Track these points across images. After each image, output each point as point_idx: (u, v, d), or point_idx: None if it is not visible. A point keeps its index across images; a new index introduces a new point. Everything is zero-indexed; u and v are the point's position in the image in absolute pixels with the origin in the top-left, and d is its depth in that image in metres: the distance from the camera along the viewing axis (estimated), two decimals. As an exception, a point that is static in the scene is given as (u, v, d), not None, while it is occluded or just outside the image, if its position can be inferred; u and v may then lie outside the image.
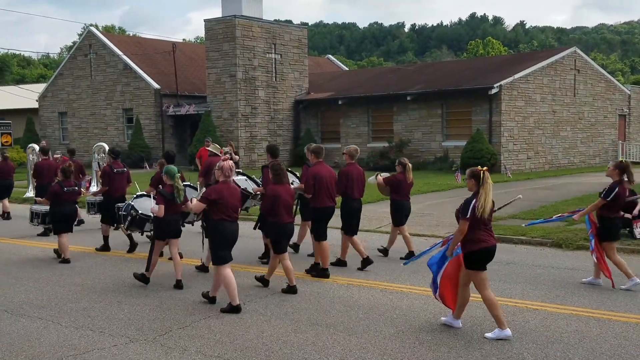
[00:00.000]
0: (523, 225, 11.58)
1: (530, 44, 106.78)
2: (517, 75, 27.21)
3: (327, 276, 9.10)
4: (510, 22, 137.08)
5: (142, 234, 10.57)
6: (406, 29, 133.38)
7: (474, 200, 6.40)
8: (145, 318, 7.28)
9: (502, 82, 26.50)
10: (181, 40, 53.40)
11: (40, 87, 41.45)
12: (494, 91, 26.20)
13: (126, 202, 10.71)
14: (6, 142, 29.70)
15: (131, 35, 57.91)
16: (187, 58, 36.62)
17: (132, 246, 11.26)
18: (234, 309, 7.42)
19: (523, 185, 20.88)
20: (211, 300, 7.88)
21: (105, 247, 11.36)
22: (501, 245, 9.86)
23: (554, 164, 29.60)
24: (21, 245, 12.15)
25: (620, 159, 8.80)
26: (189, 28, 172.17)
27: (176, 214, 8.85)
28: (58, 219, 10.43)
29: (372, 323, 6.97)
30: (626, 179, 8.22)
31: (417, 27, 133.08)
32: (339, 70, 44.28)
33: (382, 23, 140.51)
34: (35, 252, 11.18)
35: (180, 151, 32.85)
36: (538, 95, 28.34)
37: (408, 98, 28.78)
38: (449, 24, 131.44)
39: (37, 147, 18.63)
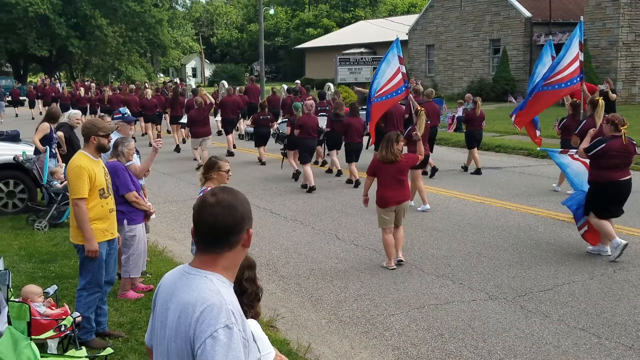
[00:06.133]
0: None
1: None
2: None
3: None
4: None
5: (283, 148, 13.92)
6: None
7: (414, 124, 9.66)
8: (504, 275, 7.09)
9: None
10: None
11: (409, 19, 43.26)
12: None
13: (276, 125, 15.79)
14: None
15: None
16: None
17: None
18: (310, 188, 11.64)
19: None
20: (310, 188, 11.62)
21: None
22: None
23: None
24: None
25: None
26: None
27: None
28: (258, 137, 15.36)
29: None
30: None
31: None
32: None
33: None
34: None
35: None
36: None
37: None
38: None
39: (225, 84, 25.69)
